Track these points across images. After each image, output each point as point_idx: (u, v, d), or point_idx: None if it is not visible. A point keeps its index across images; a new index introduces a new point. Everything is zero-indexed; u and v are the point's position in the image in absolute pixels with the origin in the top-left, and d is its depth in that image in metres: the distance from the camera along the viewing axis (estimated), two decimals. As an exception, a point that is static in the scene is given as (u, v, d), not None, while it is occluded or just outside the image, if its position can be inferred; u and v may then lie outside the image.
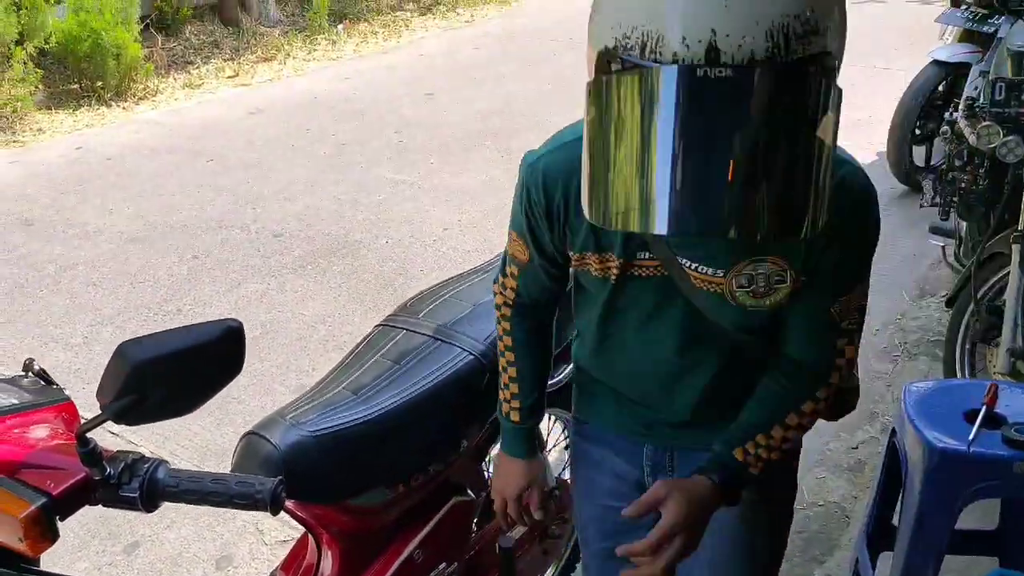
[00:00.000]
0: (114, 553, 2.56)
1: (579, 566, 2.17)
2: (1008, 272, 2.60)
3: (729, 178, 0.90)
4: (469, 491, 1.84)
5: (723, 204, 0.91)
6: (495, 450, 1.99)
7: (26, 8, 6.18)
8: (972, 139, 2.72)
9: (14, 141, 6.02)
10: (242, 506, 1.03)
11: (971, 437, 1.76)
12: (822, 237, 1.12)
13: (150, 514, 1.07)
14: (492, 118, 6.34)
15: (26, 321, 3.80)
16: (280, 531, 2.58)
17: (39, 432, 1.10)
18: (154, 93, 6.98)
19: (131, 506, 1.04)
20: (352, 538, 1.62)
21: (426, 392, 1.64)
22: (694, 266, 1.21)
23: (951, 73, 4.48)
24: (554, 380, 1.92)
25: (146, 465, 1.04)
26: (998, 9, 4.00)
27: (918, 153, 4.77)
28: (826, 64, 0.97)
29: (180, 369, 0.97)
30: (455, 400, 1.68)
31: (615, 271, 1.26)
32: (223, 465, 2.85)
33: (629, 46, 0.94)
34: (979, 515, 2.07)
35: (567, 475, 2.17)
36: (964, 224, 3.23)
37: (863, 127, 5.41)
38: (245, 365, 1.09)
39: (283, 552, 2.21)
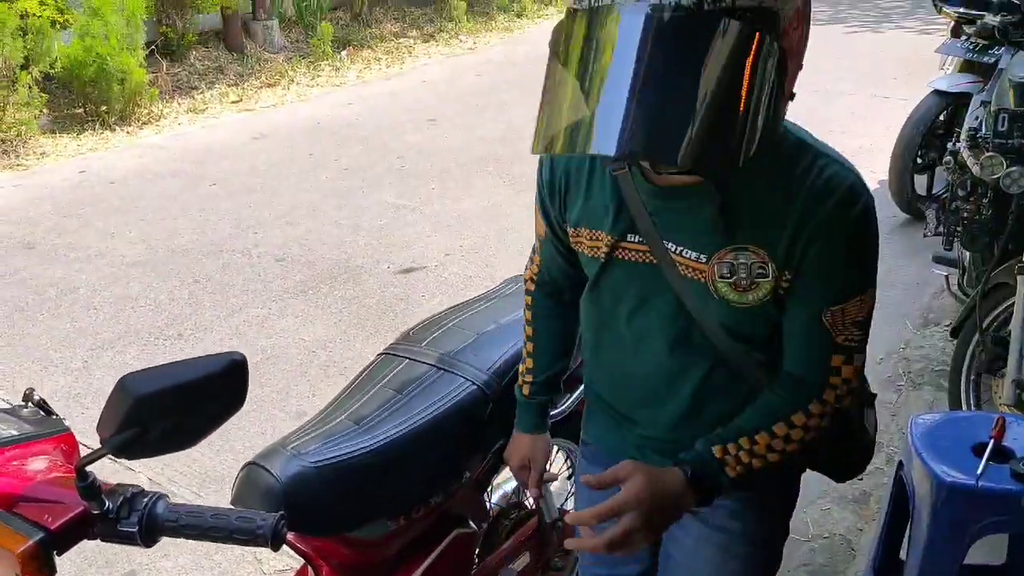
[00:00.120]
0: (111, 582, 2.53)
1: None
2: (1013, 302, 2.60)
3: (635, 103, 1.01)
4: (471, 522, 1.82)
5: (625, 128, 1.01)
6: (497, 479, 1.98)
7: (32, 33, 6.22)
8: (975, 170, 2.72)
9: (18, 164, 6.03)
10: (242, 542, 1.02)
11: (979, 471, 1.74)
12: (802, 231, 1.17)
13: (149, 548, 1.06)
14: (494, 144, 6.36)
15: (26, 345, 3.79)
16: (279, 561, 2.55)
17: (38, 464, 1.08)
18: (158, 118, 7.01)
19: (130, 541, 1.03)
20: (352, 571, 1.60)
21: (428, 422, 1.62)
22: (679, 250, 1.25)
23: (952, 103, 4.50)
24: (559, 409, 1.91)
25: (145, 499, 1.02)
26: (998, 40, 4.01)
27: (919, 181, 4.78)
28: (759, 17, 1.04)
29: (182, 402, 0.95)
30: (457, 430, 1.67)
31: (604, 249, 1.31)
32: (223, 491, 2.83)
33: None
34: (987, 550, 2.04)
35: (570, 505, 2.15)
36: (967, 254, 3.22)
37: (864, 154, 5.42)
38: (245, 391, 1.08)
39: (282, 583, 2.19)
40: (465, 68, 8.78)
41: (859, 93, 7.21)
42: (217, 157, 6.19)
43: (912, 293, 4.17)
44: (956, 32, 4.63)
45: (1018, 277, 2.55)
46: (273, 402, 3.37)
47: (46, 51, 6.32)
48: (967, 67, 4.44)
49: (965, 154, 2.86)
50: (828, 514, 2.78)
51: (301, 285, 4.33)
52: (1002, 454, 1.79)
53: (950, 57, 4.75)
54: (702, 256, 1.23)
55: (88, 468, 0.98)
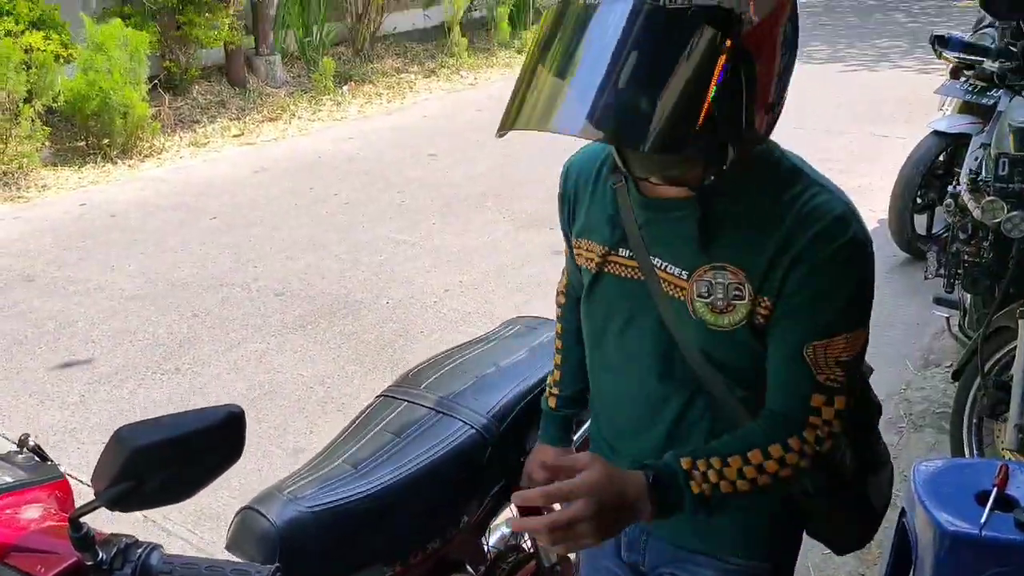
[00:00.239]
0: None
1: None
2: (1015, 346, 2.59)
3: (588, 83, 1.08)
4: (468, 567, 1.80)
5: (572, 105, 1.09)
6: (496, 521, 1.96)
7: (36, 67, 6.26)
8: (976, 213, 2.73)
9: (19, 197, 6.05)
10: (237, 595, 1.00)
11: (983, 520, 1.72)
12: (782, 257, 1.17)
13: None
14: (494, 179, 6.39)
15: (23, 378, 3.77)
16: (273, 602, 2.52)
17: (31, 512, 1.07)
18: (160, 151, 7.05)
19: (123, 593, 1.01)
20: (349, 618, 1.57)
21: (426, 467, 1.61)
22: (664, 265, 1.27)
23: (951, 143, 4.52)
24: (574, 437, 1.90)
25: (139, 550, 1.01)
26: (997, 84, 4.04)
27: (919, 221, 4.79)
28: (712, 13, 1.07)
29: (178, 455, 0.94)
30: (456, 475, 1.65)
31: (596, 260, 1.35)
32: (218, 529, 2.80)
33: None
34: (991, 598, 2.02)
35: (569, 550, 2.13)
36: (968, 296, 3.22)
37: (864, 193, 5.44)
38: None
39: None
40: (466, 103, 8.85)
41: (857, 131, 7.26)
42: (218, 190, 6.21)
43: (913, 333, 4.16)
44: (955, 74, 4.67)
45: (1019, 321, 2.54)
46: (270, 438, 3.34)
47: (49, 85, 6.37)
48: (966, 108, 4.47)
49: (966, 197, 2.87)
50: (829, 559, 2.75)
51: (300, 320, 4.32)
52: (1006, 503, 1.77)
53: (949, 97, 4.79)
54: (684, 272, 1.24)
55: (82, 520, 0.97)
